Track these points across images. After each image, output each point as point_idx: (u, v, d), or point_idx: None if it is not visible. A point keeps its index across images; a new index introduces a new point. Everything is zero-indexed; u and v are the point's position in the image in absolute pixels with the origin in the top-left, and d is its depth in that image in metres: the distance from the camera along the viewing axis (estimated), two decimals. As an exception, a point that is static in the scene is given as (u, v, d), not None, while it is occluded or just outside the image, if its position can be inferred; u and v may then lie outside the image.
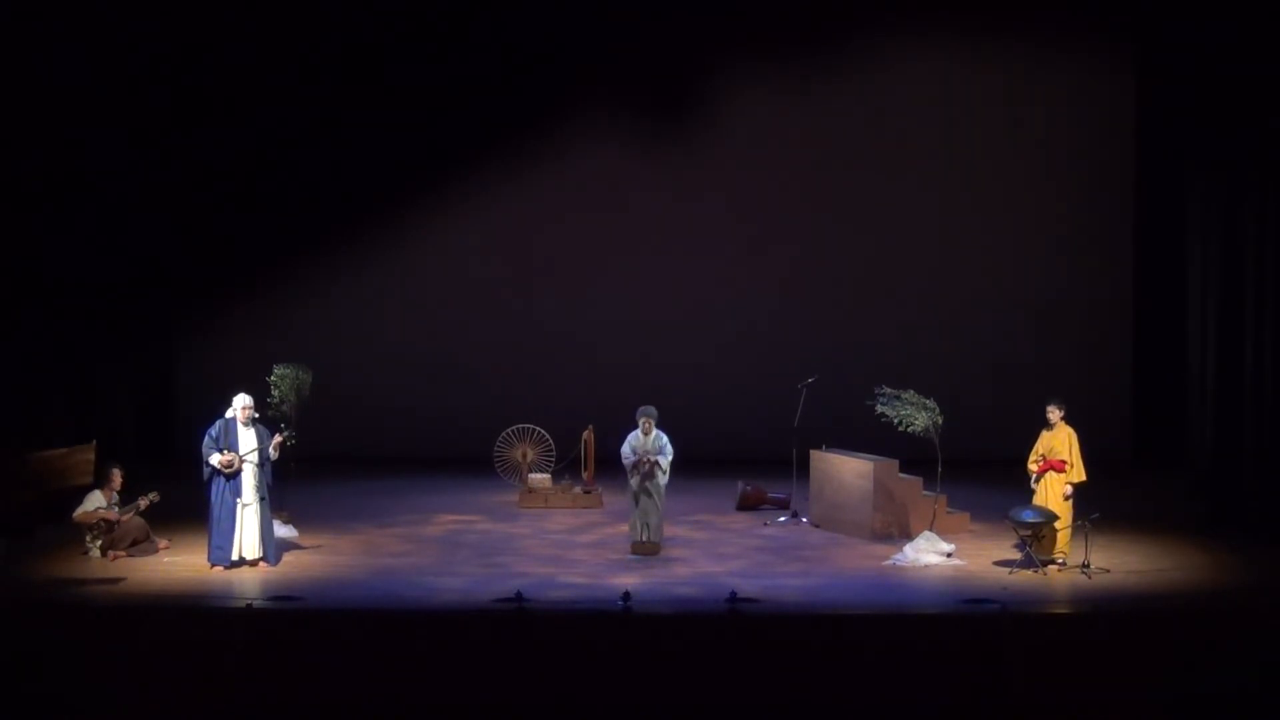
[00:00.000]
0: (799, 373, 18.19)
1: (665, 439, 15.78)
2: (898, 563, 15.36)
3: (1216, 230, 18.31)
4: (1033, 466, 15.26)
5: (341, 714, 12.47)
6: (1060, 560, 14.97)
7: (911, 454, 16.67)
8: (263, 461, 15.02)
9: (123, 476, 15.77)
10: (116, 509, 15.45)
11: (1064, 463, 15.04)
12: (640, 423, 15.78)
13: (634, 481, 15.73)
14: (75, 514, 15.38)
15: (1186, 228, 19.38)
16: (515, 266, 21.53)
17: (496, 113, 21.15)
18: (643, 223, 21.43)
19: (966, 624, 13.15)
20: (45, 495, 15.52)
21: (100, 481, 15.64)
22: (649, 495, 15.70)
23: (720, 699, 12.47)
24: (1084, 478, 15.10)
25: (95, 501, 15.45)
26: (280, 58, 20.76)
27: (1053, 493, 15.08)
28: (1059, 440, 15.12)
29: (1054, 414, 15.20)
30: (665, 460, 15.68)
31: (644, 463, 15.66)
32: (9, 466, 14.78)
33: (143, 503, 15.55)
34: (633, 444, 15.76)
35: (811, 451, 17.51)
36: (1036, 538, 14.92)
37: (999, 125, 21.26)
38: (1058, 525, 14.92)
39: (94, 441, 15.59)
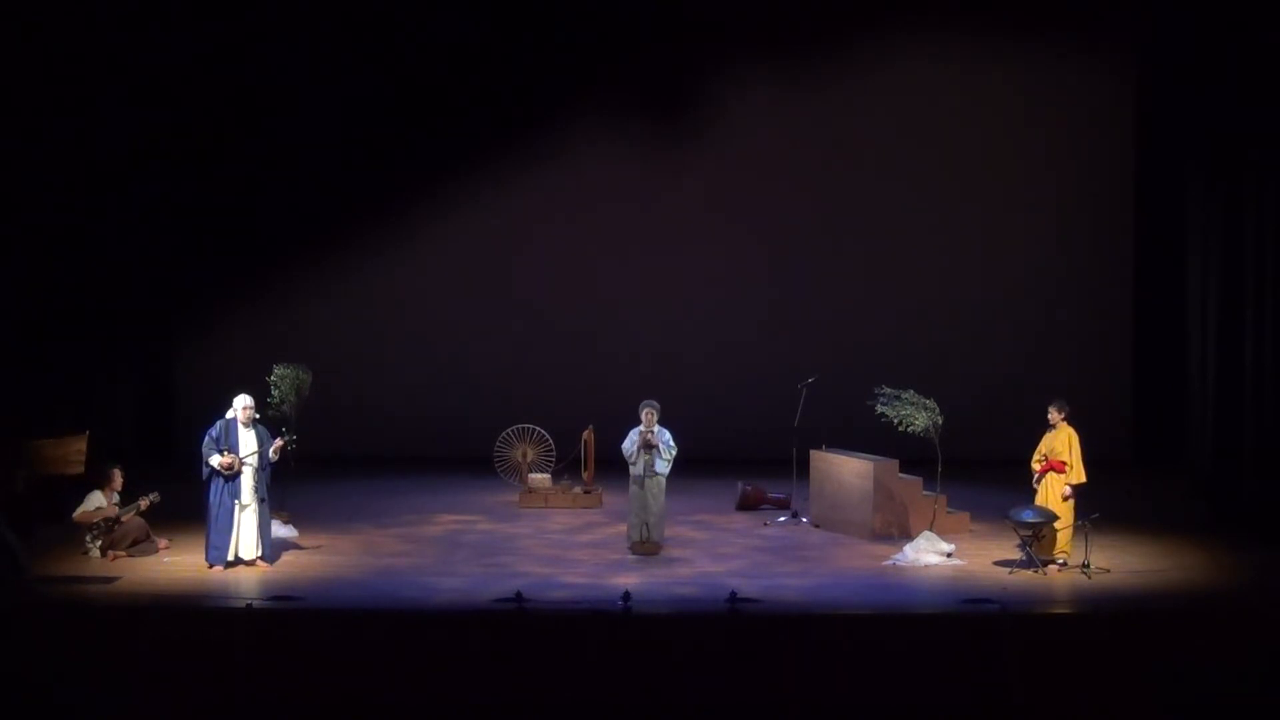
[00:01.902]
0: (799, 372, 18.19)
1: (668, 434, 15.78)
2: (898, 563, 15.36)
3: (1216, 230, 18.29)
4: (1035, 466, 15.26)
5: (341, 714, 12.46)
6: (1060, 560, 14.97)
7: (911, 454, 16.67)
8: (263, 465, 15.01)
9: (123, 476, 15.77)
10: (117, 509, 15.45)
11: (1064, 463, 15.02)
12: (643, 414, 15.78)
13: (637, 467, 15.71)
14: (75, 514, 15.37)
15: (1186, 228, 19.37)
16: (515, 266, 21.52)
17: (496, 113, 21.16)
18: (643, 223, 21.42)
19: (966, 624, 13.12)
20: (38, 481, 15.54)
21: (100, 481, 15.63)
22: (648, 492, 15.69)
23: (720, 699, 12.46)
24: (1083, 479, 15.06)
25: (95, 501, 15.44)
26: (280, 60, 20.77)
27: (1053, 493, 15.06)
28: (1060, 441, 15.10)
29: (1055, 415, 15.18)
30: (667, 450, 15.69)
31: (646, 433, 15.65)
32: (5, 451, 14.85)
33: (143, 503, 15.54)
34: (635, 438, 15.79)
35: (811, 451, 17.51)
36: (1036, 538, 14.91)
37: (999, 126, 21.24)
38: (1058, 525, 14.91)
39: (87, 432, 15.64)
